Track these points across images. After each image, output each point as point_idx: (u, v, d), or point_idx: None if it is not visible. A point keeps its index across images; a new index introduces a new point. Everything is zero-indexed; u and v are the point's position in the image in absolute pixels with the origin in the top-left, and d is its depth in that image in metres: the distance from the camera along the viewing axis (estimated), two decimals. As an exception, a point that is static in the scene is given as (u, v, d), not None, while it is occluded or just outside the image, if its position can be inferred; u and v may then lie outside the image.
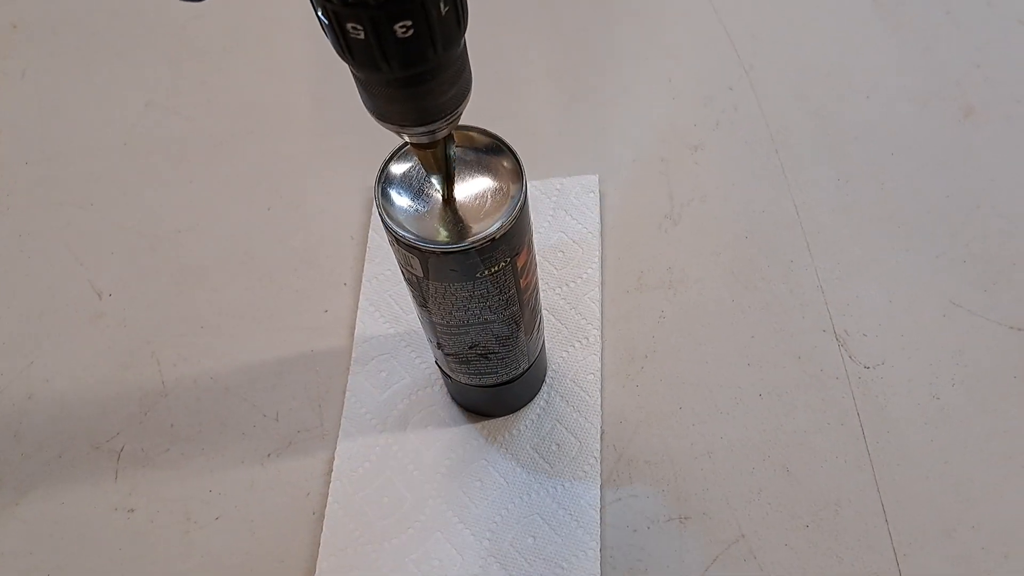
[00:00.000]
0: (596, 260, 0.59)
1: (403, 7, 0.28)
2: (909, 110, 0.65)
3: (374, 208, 0.63)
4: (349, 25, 0.29)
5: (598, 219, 0.61)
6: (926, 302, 0.56)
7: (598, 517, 0.50)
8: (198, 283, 0.62)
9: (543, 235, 0.60)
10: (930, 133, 0.63)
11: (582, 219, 0.61)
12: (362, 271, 0.60)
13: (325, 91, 0.71)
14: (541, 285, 0.58)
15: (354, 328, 0.58)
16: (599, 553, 0.49)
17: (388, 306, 0.58)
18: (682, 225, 0.61)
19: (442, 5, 0.29)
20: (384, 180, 0.39)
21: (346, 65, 0.32)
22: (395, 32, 0.29)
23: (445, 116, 0.33)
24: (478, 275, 0.39)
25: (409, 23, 0.29)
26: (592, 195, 0.62)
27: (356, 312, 0.58)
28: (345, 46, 0.30)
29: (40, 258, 0.64)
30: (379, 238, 0.61)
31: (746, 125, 0.65)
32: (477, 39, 0.74)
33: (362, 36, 0.29)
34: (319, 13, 0.29)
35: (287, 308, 0.60)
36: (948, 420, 0.52)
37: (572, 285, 0.58)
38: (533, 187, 0.62)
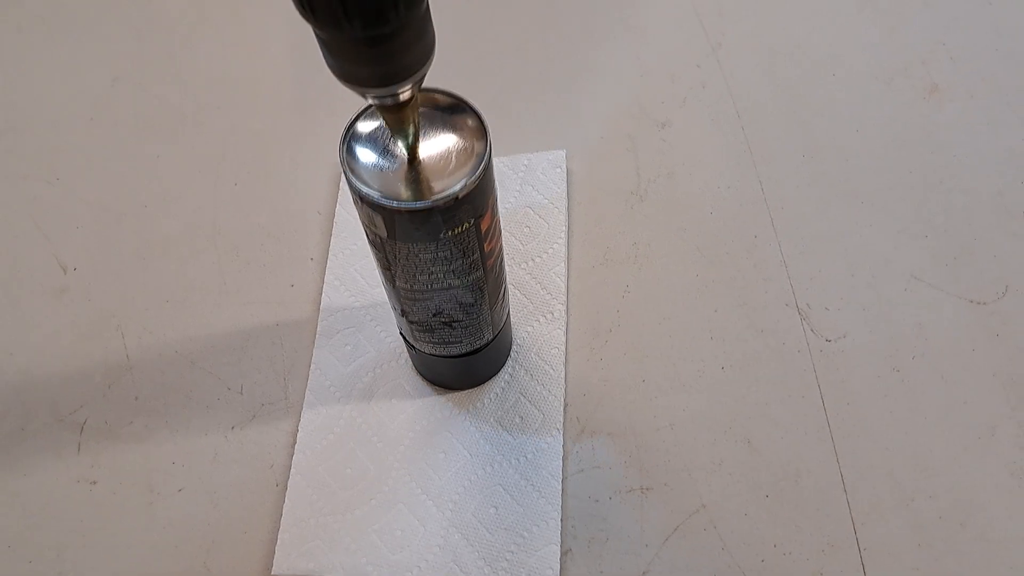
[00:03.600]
0: (562, 235, 0.59)
1: None
2: (875, 87, 0.65)
3: (341, 182, 0.63)
4: None
5: (565, 194, 0.61)
6: (888, 276, 0.57)
7: (560, 487, 0.50)
8: (164, 257, 0.61)
9: (509, 210, 0.60)
10: (895, 110, 0.64)
11: (549, 194, 0.61)
12: (329, 246, 0.60)
13: (292, 66, 0.71)
14: (507, 260, 0.58)
15: (320, 302, 0.58)
16: (560, 523, 0.49)
17: (354, 280, 0.58)
18: (648, 201, 0.61)
19: None
20: (350, 138, 0.39)
21: (312, 33, 0.32)
22: None
23: (409, 77, 0.33)
24: (441, 235, 0.39)
25: None
26: (559, 170, 0.62)
27: (322, 286, 0.58)
28: (307, 4, 0.30)
29: (4, 232, 0.63)
30: (346, 213, 0.61)
31: (713, 102, 0.65)
32: (444, 15, 0.73)
33: None
34: None
35: (253, 283, 0.60)
36: (908, 393, 0.53)
37: (538, 260, 0.58)
38: (500, 163, 0.62)
